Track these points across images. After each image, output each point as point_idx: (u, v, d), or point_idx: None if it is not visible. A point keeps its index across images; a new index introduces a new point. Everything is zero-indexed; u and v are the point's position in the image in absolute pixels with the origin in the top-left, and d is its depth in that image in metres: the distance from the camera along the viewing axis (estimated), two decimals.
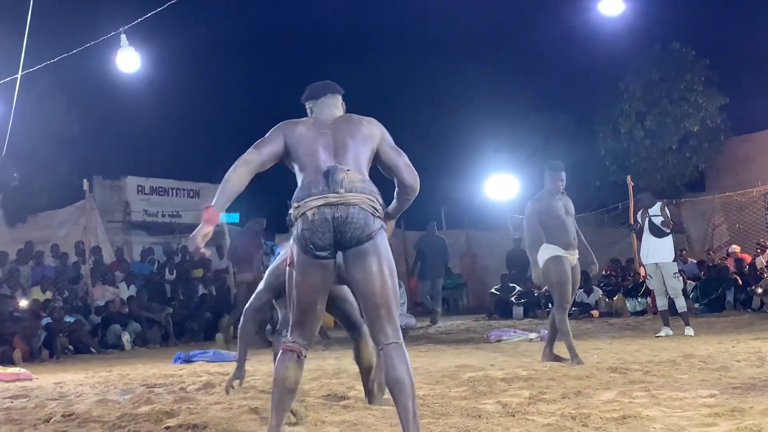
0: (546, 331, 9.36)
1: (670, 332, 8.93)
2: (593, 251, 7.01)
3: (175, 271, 14.53)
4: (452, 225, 19.19)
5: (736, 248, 14.19)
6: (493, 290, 14.94)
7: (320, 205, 3.20)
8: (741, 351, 6.78)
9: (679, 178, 18.06)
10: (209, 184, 17.76)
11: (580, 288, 10.45)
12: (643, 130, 17.86)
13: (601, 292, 13.42)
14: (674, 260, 9.33)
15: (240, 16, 23.88)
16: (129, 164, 17.19)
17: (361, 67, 20.87)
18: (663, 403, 4.28)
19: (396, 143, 3.49)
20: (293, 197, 3.32)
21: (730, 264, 13.19)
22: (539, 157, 16.92)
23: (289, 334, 3.40)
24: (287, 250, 4.88)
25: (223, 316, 12.85)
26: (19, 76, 8.59)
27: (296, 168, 3.40)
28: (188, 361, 8.61)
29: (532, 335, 9.61)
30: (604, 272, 14.10)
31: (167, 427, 4.21)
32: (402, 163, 3.43)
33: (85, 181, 13.70)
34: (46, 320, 10.62)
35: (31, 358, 9.83)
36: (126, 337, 11.50)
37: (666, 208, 9.37)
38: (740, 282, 12.30)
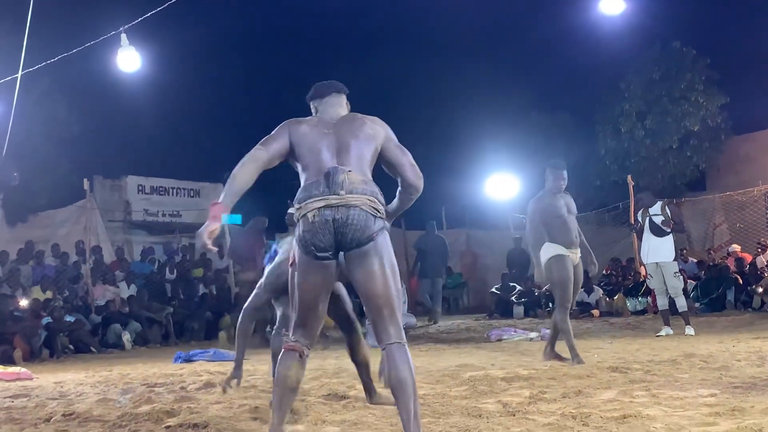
0: (547, 331, 9.37)
1: (671, 331, 8.93)
2: (594, 251, 7.00)
3: (175, 271, 14.53)
4: (453, 224, 19.20)
5: (736, 247, 14.18)
6: (493, 290, 14.94)
7: (321, 207, 3.20)
8: (741, 350, 6.78)
9: (679, 177, 18.05)
10: (210, 183, 17.77)
11: (581, 287, 10.43)
12: (644, 130, 17.85)
13: (601, 291, 13.42)
14: (675, 259, 9.32)
15: (240, 15, 23.90)
16: (129, 164, 17.22)
17: (362, 66, 20.89)
18: (663, 402, 4.28)
19: None
20: (295, 198, 3.33)
21: (731, 263, 13.18)
22: (540, 157, 16.91)
23: (291, 334, 3.41)
24: (285, 248, 4.89)
25: (223, 315, 12.87)
26: (19, 75, 8.59)
27: (299, 167, 3.41)
28: (188, 360, 8.62)
29: (533, 334, 9.60)
30: (604, 271, 14.10)
31: (168, 427, 4.21)
32: (407, 162, 3.45)
33: (85, 180, 13.70)
34: (46, 320, 10.63)
35: (31, 357, 9.83)
36: (126, 337, 11.51)
37: (666, 208, 9.37)
38: (741, 281, 12.30)
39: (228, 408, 4.72)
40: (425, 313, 13.93)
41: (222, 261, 15.37)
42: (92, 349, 10.96)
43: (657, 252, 9.21)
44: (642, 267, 11.35)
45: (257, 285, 4.90)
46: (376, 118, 3.50)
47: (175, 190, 17.15)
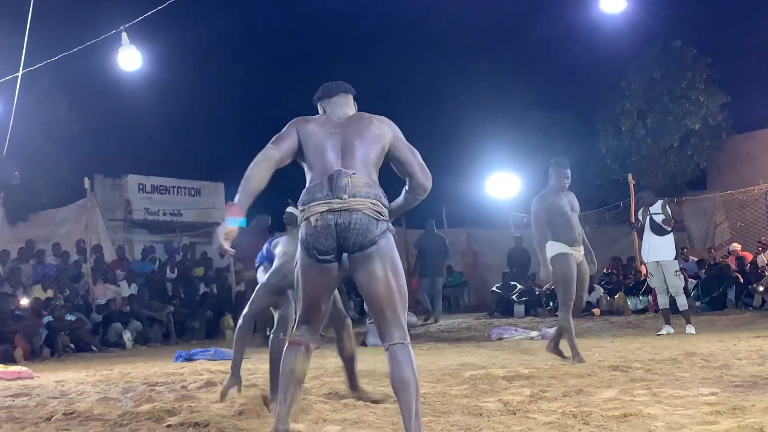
0: (547, 329, 9.39)
1: (672, 330, 8.93)
2: (594, 249, 6.99)
3: (176, 270, 14.54)
4: (453, 223, 19.19)
5: (736, 246, 14.17)
6: (494, 288, 14.94)
7: (324, 212, 3.21)
8: (742, 349, 6.77)
9: (680, 176, 18.05)
10: (210, 182, 17.80)
11: None
12: (645, 128, 17.86)
13: (602, 290, 13.42)
14: (675, 258, 9.32)
15: (241, 14, 23.86)
16: (130, 162, 17.22)
17: (362, 66, 20.87)
18: (664, 401, 4.27)
19: None
20: (299, 199, 3.34)
21: (732, 262, 13.17)
22: (540, 156, 16.91)
23: (295, 329, 3.46)
24: (281, 249, 4.88)
25: (224, 314, 12.88)
26: (19, 74, 8.58)
27: (305, 167, 3.43)
28: (189, 359, 8.62)
29: (534, 333, 9.61)
30: (605, 270, 14.10)
31: (168, 426, 4.21)
32: (416, 162, 3.46)
33: (86, 179, 13.70)
34: (47, 319, 10.64)
35: (32, 356, 9.84)
36: (127, 336, 11.51)
37: (667, 206, 9.36)
38: (741, 280, 12.29)
39: (229, 407, 4.72)
40: (425, 311, 13.93)
41: (223, 260, 15.39)
42: (93, 348, 10.97)
43: (658, 251, 9.20)
44: (643, 266, 11.34)
45: (256, 288, 4.87)
46: (384, 118, 3.51)
47: (175, 189, 17.16)
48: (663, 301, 9.26)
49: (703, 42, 18.01)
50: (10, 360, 9.09)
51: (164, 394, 5.64)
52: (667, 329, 8.97)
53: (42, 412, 4.91)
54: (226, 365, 7.45)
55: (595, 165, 18.37)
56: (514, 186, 17.98)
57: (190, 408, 4.72)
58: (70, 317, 11.18)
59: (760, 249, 13.75)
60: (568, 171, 6.68)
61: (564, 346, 6.69)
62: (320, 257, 3.26)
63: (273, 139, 3.43)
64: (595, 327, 10.86)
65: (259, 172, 3.31)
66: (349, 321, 5.03)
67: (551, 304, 13.20)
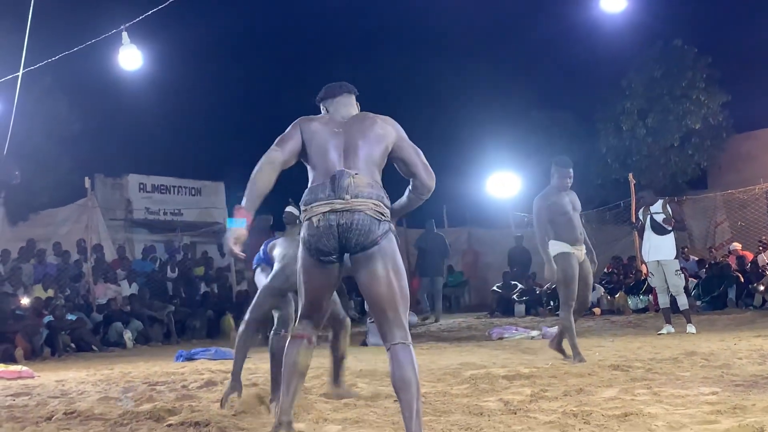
0: (548, 329, 9.39)
1: (672, 330, 8.93)
2: (595, 249, 6.98)
3: (176, 269, 14.55)
4: (454, 223, 19.21)
5: (737, 245, 14.16)
6: (494, 288, 14.94)
7: (326, 212, 3.22)
8: (743, 348, 6.77)
9: (681, 175, 18.05)
10: (211, 182, 17.81)
11: None
12: (645, 128, 17.85)
13: (603, 289, 13.42)
14: (676, 258, 9.32)
15: (242, 14, 23.88)
16: (131, 162, 17.25)
17: (362, 66, 20.89)
18: (665, 400, 4.27)
19: None
20: (302, 199, 3.35)
21: (732, 261, 13.17)
22: (541, 155, 16.92)
23: (297, 323, 3.49)
24: (279, 251, 4.86)
25: (225, 313, 12.89)
26: (20, 74, 8.58)
27: (308, 167, 3.44)
28: (190, 359, 8.62)
29: (534, 333, 9.61)
30: (606, 270, 14.10)
31: (169, 425, 4.21)
32: (420, 162, 3.46)
33: (86, 179, 13.71)
34: (48, 318, 10.64)
35: (33, 356, 9.84)
36: (128, 335, 11.52)
37: (668, 206, 9.36)
38: (742, 279, 12.29)
39: (229, 406, 4.72)
40: (425, 311, 13.92)
41: (223, 259, 15.41)
42: (94, 347, 10.97)
43: (658, 250, 9.19)
44: (643, 265, 11.33)
45: (257, 293, 4.81)
46: (387, 118, 3.51)
47: (176, 189, 17.18)
48: (663, 301, 9.26)
49: (703, 41, 18.05)
50: (10, 359, 9.10)
51: (165, 393, 5.64)
52: (667, 328, 8.97)
53: (42, 411, 4.91)
54: (227, 365, 7.46)
55: (596, 164, 18.37)
56: (515, 185, 17.99)
57: (190, 407, 4.73)
58: (70, 317, 11.18)
59: (760, 248, 13.75)
60: (571, 170, 6.67)
61: (566, 344, 6.69)
62: (322, 258, 3.27)
63: (277, 140, 3.43)
64: (596, 326, 10.86)
65: (263, 175, 3.33)
66: (348, 321, 5.03)
67: (552, 303, 13.20)
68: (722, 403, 4.06)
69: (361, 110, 3.61)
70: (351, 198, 3.20)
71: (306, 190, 3.35)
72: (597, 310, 12.92)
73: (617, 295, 13.17)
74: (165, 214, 16.74)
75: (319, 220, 3.23)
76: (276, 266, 4.79)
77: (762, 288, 11.79)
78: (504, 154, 18.43)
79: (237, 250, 3.27)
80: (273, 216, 10.81)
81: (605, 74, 19.21)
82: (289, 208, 5.30)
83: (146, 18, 8.92)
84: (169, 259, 15.10)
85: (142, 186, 16.57)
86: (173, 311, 12.51)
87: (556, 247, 6.53)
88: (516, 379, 5.43)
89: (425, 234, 14.15)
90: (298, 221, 5.31)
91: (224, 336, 12.36)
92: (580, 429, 3.65)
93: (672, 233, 9.21)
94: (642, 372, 5.52)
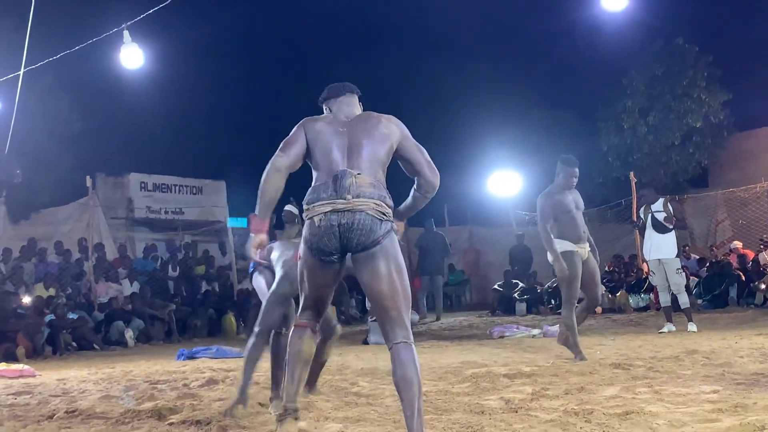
0: (549, 327, 9.39)
1: (673, 328, 8.92)
2: (596, 247, 6.98)
3: (178, 268, 14.55)
4: (455, 221, 19.21)
5: (738, 244, 14.15)
6: (496, 286, 14.93)
7: (327, 212, 3.23)
8: (744, 347, 6.76)
9: (682, 174, 18.04)
10: (212, 180, 17.81)
11: None
12: (646, 126, 17.84)
13: (604, 288, 13.40)
14: (677, 256, 9.30)
15: (243, 13, 23.88)
16: (132, 161, 17.27)
17: (364, 64, 20.91)
18: (666, 398, 4.27)
19: None
20: (305, 198, 3.36)
21: (733, 260, 13.16)
22: (542, 154, 16.93)
23: (299, 314, 3.51)
24: (276, 255, 4.84)
25: (226, 312, 12.90)
26: (21, 73, 8.59)
27: (312, 166, 3.45)
28: (191, 357, 8.63)
29: (535, 331, 9.60)
30: (607, 268, 14.10)
31: (170, 423, 4.22)
32: (424, 160, 3.48)
33: (88, 177, 13.70)
34: (49, 317, 10.65)
35: (34, 354, 9.86)
36: (129, 334, 11.52)
37: (669, 204, 9.35)
38: (743, 278, 12.28)
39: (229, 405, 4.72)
40: (426, 309, 13.92)
41: (224, 258, 15.41)
42: (95, 346, 10.98)
43: (659, 249, 9.19)
44: (644, 264, 11.33)
45: (264, 302, 4.68)
46: (391, 117, 3.52)
47: (177, 188, 17.18)
48: (665, 299, 9.25)
49: (704, 40, 18.05)
50: (12, 358, 9.11)
51: (166, 392, 5.64)
52: (668, 327, 8.97)
53: (44, 410, 4.92)
54: (228, 363, 7.49)
55: (597, 163, 18.37)
56: (516, 184, 17.98)
57: (191, 406, 4.73)
58: (72, 315, 11.19)
59: (761, 247, 13.74)
60: (577, 170, 6.64)
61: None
62: (323, 257, 3.29)
63: (281, 145, 3.44)
64: (597, 325, 10.85)
65: (271, 183, 3.37)
66: (339, 329, 5.02)
67: (553, 302, 13.20)
68: (723, 401, 4.06)
69: (363, 110, 3.62)
70: (353, 198, 3.21)
71: (309, 190, 3.36)
72: (598, 309, 12.88)
73: (618, 294, 13.17)
74: (166, 212, 16.75)
75: (320, 220, 3.24)
76: (278, 273, 4.71)
77: (763, 286, 11.78)
78: (505, 153, 18.44)
79: (257, 257, 3.38)
80: (273, 216, 10.85)
81: (606, 73, 19.24)
82: (288, 207, 5.29)
83: (147, 17, 8.92)
84: (170, 257, 15.11)
85: (143, 185, 16.58)
86: (174, 310, 12.51)
87: (559, 245, 6.52)
88: (517, 377, 5.43)
89: (425, 233, 14.16)
90: (296, 220, 5.32)
91: (225, 334, 12.39)
92: (581, 427, 3.65)
93: (673, 232, 9.20)
94: (643, 370, 5.52)
